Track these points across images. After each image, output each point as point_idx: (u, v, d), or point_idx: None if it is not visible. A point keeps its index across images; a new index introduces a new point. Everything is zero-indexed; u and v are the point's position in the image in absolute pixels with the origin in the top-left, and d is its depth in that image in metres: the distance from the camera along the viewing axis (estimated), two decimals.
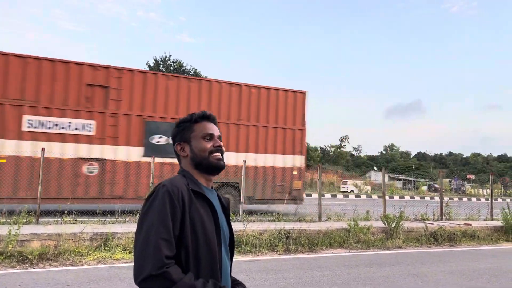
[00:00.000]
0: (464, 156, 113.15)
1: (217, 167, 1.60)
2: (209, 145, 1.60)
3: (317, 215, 12.30)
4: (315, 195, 22.42)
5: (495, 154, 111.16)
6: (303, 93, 15.28)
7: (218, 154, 1.60)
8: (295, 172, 14.73)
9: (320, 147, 77.18)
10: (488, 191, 19.12)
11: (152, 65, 44.93)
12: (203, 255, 1.44)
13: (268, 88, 14.74)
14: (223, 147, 1.63)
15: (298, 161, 14.90)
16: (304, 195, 15.97)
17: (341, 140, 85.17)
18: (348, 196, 33.48)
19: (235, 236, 8.76)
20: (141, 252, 1.34)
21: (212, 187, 1.66)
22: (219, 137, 1.65)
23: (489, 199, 16.26)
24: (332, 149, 76.56)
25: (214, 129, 1.65)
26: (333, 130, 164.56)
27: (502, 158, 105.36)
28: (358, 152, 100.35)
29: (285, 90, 15.00)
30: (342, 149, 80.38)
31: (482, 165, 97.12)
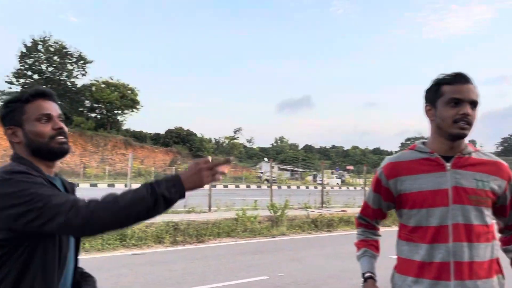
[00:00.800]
0: (345, 149, 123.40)
1: (61, 152, 1.38)
2: (47, 128, 1.35)
3: (207, 206, 12.36)
4: (207, 186, 22.51)
5: (371, 147, 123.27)
6: None
7: (61, 138, 1.37)
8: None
9: (215, 138, 77.76)
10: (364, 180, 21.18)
11: (29, 44, 40.55)
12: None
13: None
14: (65, 128, 1.40)
15: None
16: None
17: (235, 131, 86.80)
18: (239, 187, 34.30)
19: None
20: None
21: (56, 174, 1.43)
22: (60, 117, 1.40)
23: (364, 187, 17.98)
24: (226, 141, 77.65)
25: (52, 108, 1.39)
26: (228, 122, 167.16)
27: (376, 151, 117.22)
28: (251, 144, 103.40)
29: None
30: (235, 140, 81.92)
31: (359, 157, 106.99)
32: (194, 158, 54.53)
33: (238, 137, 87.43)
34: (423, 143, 1.66)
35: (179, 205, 12.32)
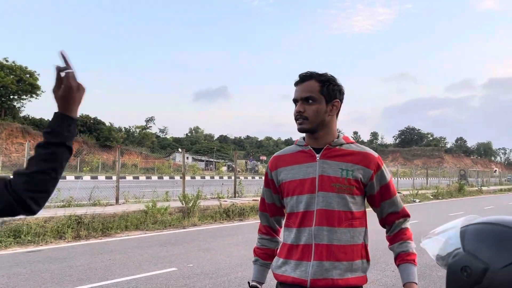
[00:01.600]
0: (259, 139, 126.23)
1: None
2: None
3: (114, 198, 11.80)
4: (114, 177, 21.52)
5: (283, 138, 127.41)
6: None
7: None
8: None
9: (125, 127, 74.52)
10: None
11: None
12: None
13: None
14: None
15: None
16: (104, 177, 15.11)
17: (147, 121, 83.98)
18: (150, 178, 33.33)
19: (13, 225, 7.55)
20: None
21: None
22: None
23: None
24: (137, 130, 74.86)
25: None
26: (140, 111, 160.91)
27: (289, 142, 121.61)
28: (164, 133, 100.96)
29: None
30: (147, 130, 79.34)
31: (273, 147, 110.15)
32: (102, 148, 51.81)
33: (150, 126, 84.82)
34: (304, 138, 1.80)
35: (83, 197, 11.59)
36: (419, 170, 47.85)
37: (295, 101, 1.70)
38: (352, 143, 1.73)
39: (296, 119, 1.68)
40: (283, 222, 1.84)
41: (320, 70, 1.71)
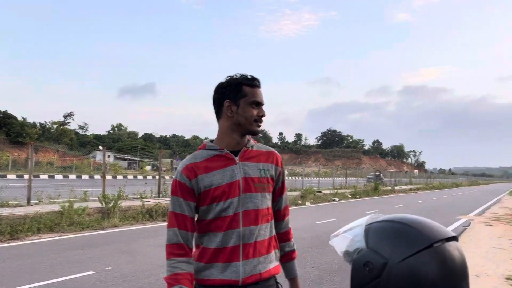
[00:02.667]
0: (186, 138, 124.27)
1: None
2: None
3: (25, 199, 10.94)
4: (26, 176, 19.94)
5: (211, 137, 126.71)
6: None
7: None
8: None
9: (40, 123, 69.48)
10: None
11: None
12: None
13: None
14: None
15: None
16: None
17: (65, 116, 78.99)
18: (68, 177, 31.40)
19: None
20: None
21: None
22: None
23: None
24: (54, 126, 70.15)
25: None
26: (58, 105, 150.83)
27: None
28: (84, 130, 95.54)
29: None
30: (65, 126, 74.71)
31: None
32: (13, 144, 47.76)
33: (69, 122, 79.90)
34: (211, 141, 1.79)
35: None
36: (339, 170, 50.34)
37: (257, 103, 1.71)
38: (256, 143, 1.82)
39: (255, 121, 1.70)
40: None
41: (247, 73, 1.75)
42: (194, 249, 1.74)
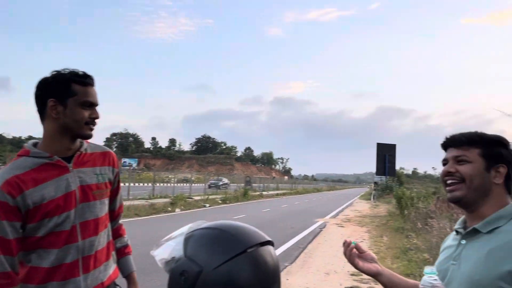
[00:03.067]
0: None
1: None
2: None
3: None
4: None
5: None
6: None
7: None
8: None
9: None
10: None
11: None
12: None
13: None
14: None
15: None
16: None
17: None
18: None
19: None
20: None
21: None
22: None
23: None
24: None
25: None
26: None
27: None
28: None
29: None
30: None
31: None
32: None
33: None
34: (35, 145, 1.56)
35: None
36: (212, 176, 51.00)
37: (90, 104, 1.52)
38: (88, 143, 1.66)
39: (87, 124, 1.52)
40: None
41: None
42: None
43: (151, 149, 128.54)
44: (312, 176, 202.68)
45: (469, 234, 1.23)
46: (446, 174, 1.25)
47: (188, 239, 0.94)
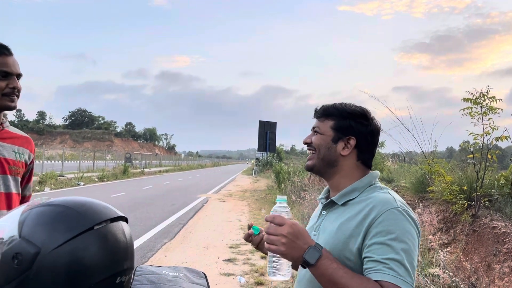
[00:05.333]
0: None
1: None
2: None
3: None
4: None
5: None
6: None
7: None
8: None
9: None
10: None
11: None
12: None
13: None
14: None
15: None
16: None
17: None
18: None
19: None
20: None
21: None
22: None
23: None
24: None
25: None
26: None
27: None
28: None
29: None
30: None
31: None
32: None
33: None
34: None
35: None
36: (88, 153, 47.78)
37: (6, 74, 1.52)
38: (10, 125, 1.74)
39: (6, 95, 1.54)
40: None
41: None
42: None
43: (16, 122, 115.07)
44: (197, 152, 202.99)
45: (328, 205, 1.27)
46: (305, 144, 1.31)
47: (25, 218, 0.83)
